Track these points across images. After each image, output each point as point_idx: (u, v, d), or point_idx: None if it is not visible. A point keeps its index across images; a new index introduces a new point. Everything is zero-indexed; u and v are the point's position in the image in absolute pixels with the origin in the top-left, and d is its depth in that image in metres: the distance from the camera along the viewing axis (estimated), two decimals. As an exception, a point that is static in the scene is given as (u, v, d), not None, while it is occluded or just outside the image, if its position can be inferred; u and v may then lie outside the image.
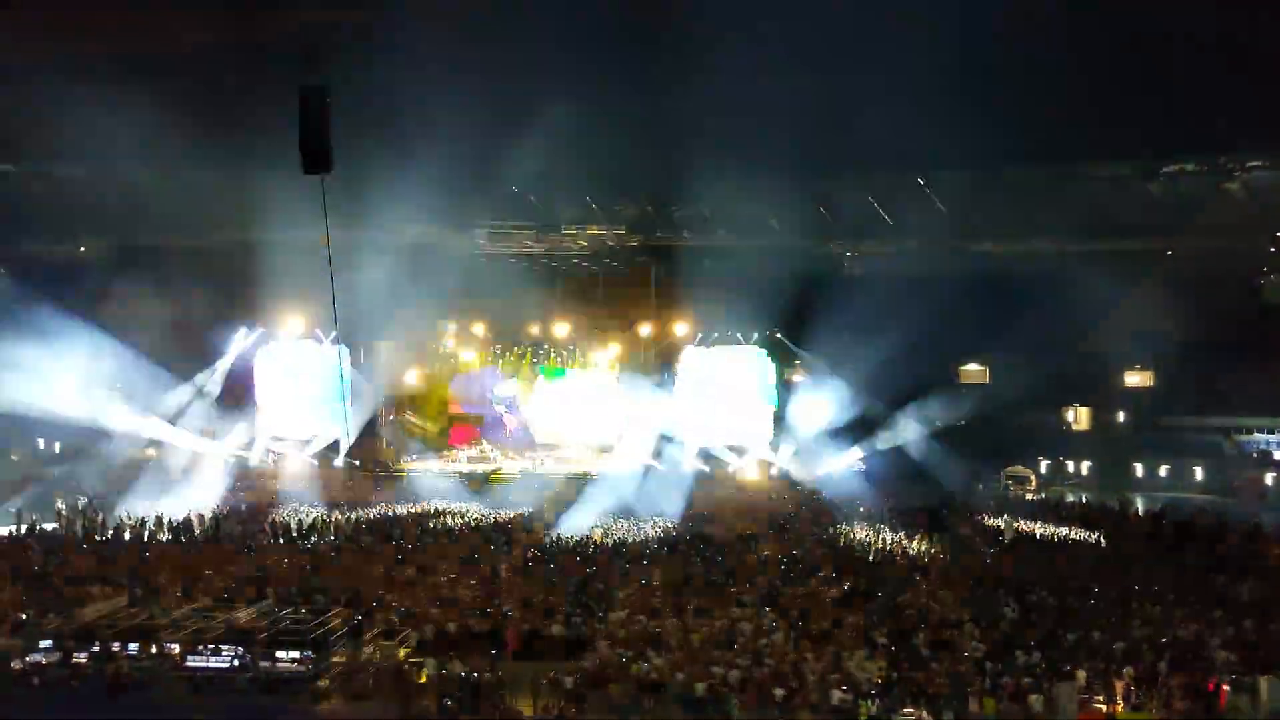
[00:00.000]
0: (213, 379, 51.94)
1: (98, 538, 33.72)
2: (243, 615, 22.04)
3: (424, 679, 20.20)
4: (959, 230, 49.33)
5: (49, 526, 35.41)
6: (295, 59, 17.88)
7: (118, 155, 44.53)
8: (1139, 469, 48.71)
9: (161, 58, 42.11)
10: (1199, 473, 47.75)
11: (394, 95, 41.56)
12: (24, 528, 34.80)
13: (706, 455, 51.39)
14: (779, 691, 18.88)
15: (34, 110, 42.17)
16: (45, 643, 20.92)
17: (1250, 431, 49.07)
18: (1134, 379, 52.22)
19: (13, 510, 38.31)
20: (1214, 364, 46.16)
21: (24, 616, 22.71)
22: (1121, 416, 51.93)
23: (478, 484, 47.71)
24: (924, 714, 18.10)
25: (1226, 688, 18.29)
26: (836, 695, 18.66)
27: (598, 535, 33.30)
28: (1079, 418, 52.87)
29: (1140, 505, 41.36)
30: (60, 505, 39.04)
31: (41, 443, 51.63)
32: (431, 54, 41.97)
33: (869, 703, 18.43)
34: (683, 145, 44.63)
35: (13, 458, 50.44)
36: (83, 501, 39.71)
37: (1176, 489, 46.44)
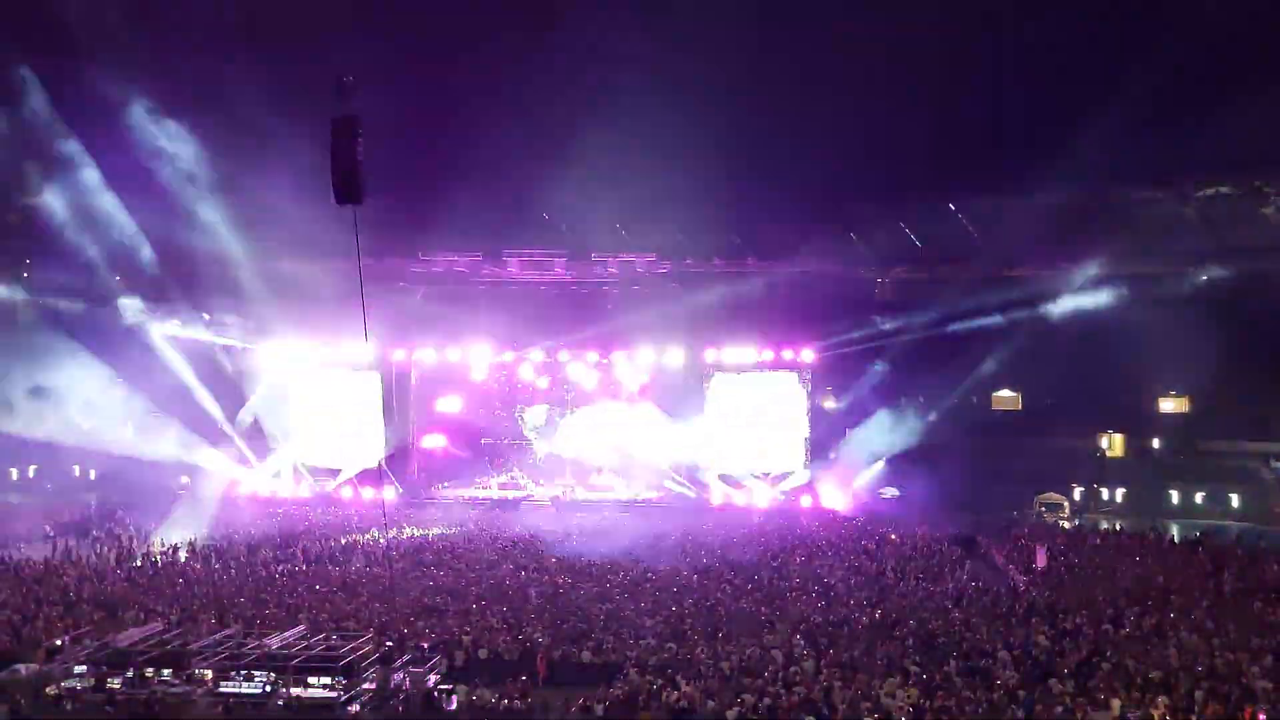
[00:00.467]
0: (246, 407, 52.21)
1: (133, 564, 34.01)
2: (275, 641, 22.15)
3: (454, 706, 20.27)
4: (991, 256, 49.21)
5: (84, 553, 35.69)
6: (327, 90, 18.08)
7: (154, 184, 45.05)
8: (1175, 495, 48.21)
9: (197, 88, 42.70)
10: (1235, 499, 47.23)
11: (425, 124, 42.00)
12: (59, 553, 35.16)
13: (737, 481, 51.26)
14: (809, 719, 18.82)
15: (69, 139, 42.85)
16: (80, 668, 21.12)
17: (1288, 457, 48.53)
18: (1169, 404, 51.77)
19: (49, 536, 38.71)
20: (1251, 388, 45.69)
21: (59, 642, 22.90)
22: (1157, 442, 51.41)
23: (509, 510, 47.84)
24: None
25: (1263, 717, 18.10)
26: (867, 722, 18.60)
27: (627, 562, 33.21)
28: (1114, 444, 52.37)
29: (1176, 532, 40.99)
30: (96, 532, 39.38)
31: (77, 469, 52.05)
32: (461, 82, 42.45)
33: (900, 729, 18.36)
34: (713, 171, 44.76)
35: (47, 485, 50.92)
36: (118, 528, 40.08)
37: (1213, 515, 45.95)
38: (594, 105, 44.84)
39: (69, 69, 42.25)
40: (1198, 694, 19.00)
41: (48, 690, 20.71)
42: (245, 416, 52.10)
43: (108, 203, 45.92)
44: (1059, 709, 18.70)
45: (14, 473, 51.50)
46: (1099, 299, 47.83)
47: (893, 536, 39.49)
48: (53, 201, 46.32)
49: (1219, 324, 43.06)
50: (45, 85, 42.24)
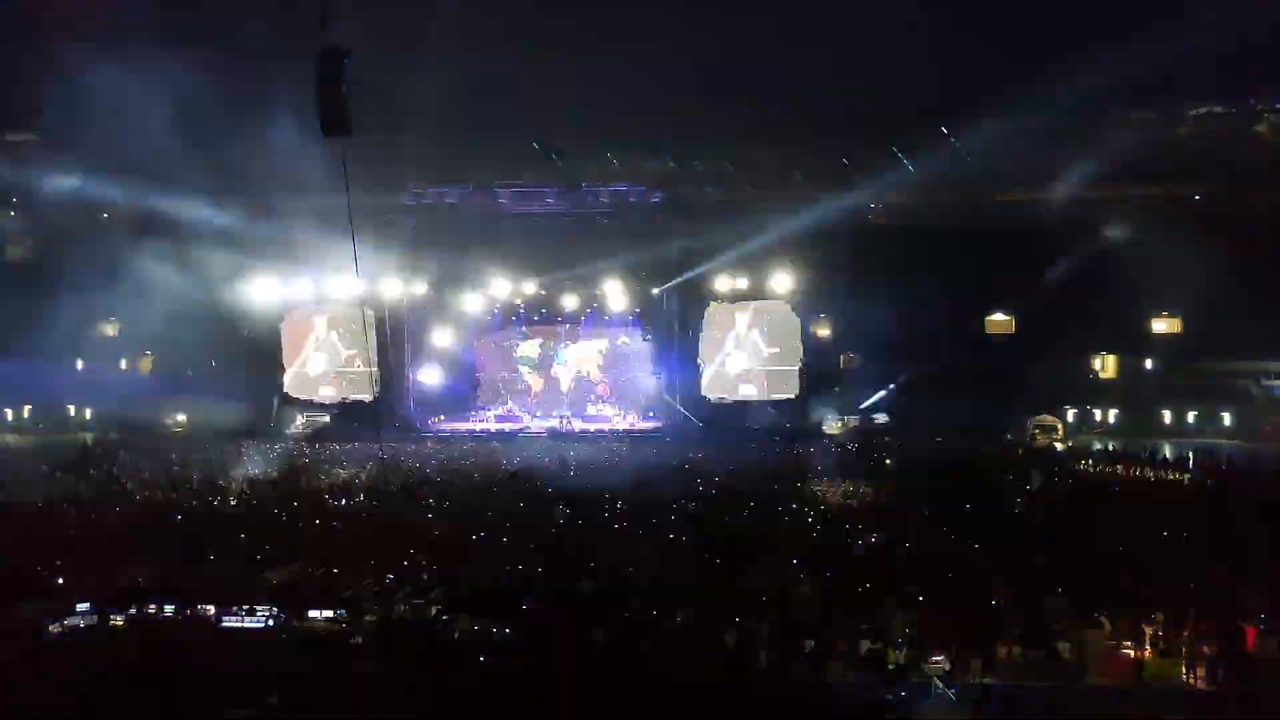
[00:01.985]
0: (238, 344, 52.16)
1: (135, 498, 34.10)
2: (275, 575, 22.30)
3: (456, 636, 20.44)
4: (984, 179, 48.93)
5: (83, 492, 35.76)
6: (312, 18, 17.84)
7: (132, 121, 44.55)
8: (1167, 415, 48.49)
9: (177, 19, 42.04)
10: (1227, 418, 47.50)
11: (410, 54, 41.44)
12: (57, 493, 35.23)
13: (734, 409, 51.47)
14: (809, 642, 19.01)
15: (48, 77, 42.23)
16: (83, 606, 21.25)
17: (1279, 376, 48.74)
18: (1161, 325, 51.81)
19: (47, 475, 38.81)
20: (1243, 307, 45.72)
21: (60, 581, 23.02)
22: (1149, 363, 51.57)
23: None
24: (951, 661, 18.21)
25: (1253, 632, 18.32)
26: (865, 645, 18.78)
27: (624, 491, 33.35)
28: (1106, 365, 52.54)
29: (1168, 451, 41.26)
30: (93, 471, 39.48)
31: (72, 409, 52.12)
32: (446, 8, 41.83)
33: (897, 651, 18.55)
34: (705, 99, 44.39)
35: (39, 425, 51.01)
36: (117, 468, 40.18)
37: (1205, 435, 46.27)
38: (584, 32, 44.31)
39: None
40: (1190, 610, 19.21)
41: (50, 628, 20.87)
42: (241, 354, 52.12)
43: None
44: (1054, 626, 18.93)
45: (8, 412, 51.57)
46: (1091, 220, 47.73)
47: (888, 461, 39.77)
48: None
49: (1211, 244, 43.02)
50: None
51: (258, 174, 46.51)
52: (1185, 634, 18.50)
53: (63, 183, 50.21)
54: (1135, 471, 35.95)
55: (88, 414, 51.75)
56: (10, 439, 49.01)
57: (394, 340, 53.37)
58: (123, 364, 52.77)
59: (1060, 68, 41.71)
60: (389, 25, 39.41)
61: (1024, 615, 19.55)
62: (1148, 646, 18.36)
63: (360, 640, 20.42)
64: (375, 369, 52.52)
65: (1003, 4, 39.65)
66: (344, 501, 33.57)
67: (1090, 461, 38.73)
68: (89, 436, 48.34)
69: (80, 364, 50.72)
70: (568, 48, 43.63)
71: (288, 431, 51.09)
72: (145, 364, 54.02)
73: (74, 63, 40.58)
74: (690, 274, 51.81)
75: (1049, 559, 23.15)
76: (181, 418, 51.30)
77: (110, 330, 53.12)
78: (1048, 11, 41.66)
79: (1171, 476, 35.47)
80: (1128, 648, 18.35)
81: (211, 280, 50.25)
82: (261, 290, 52.02)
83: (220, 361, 52.65)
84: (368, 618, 20.86)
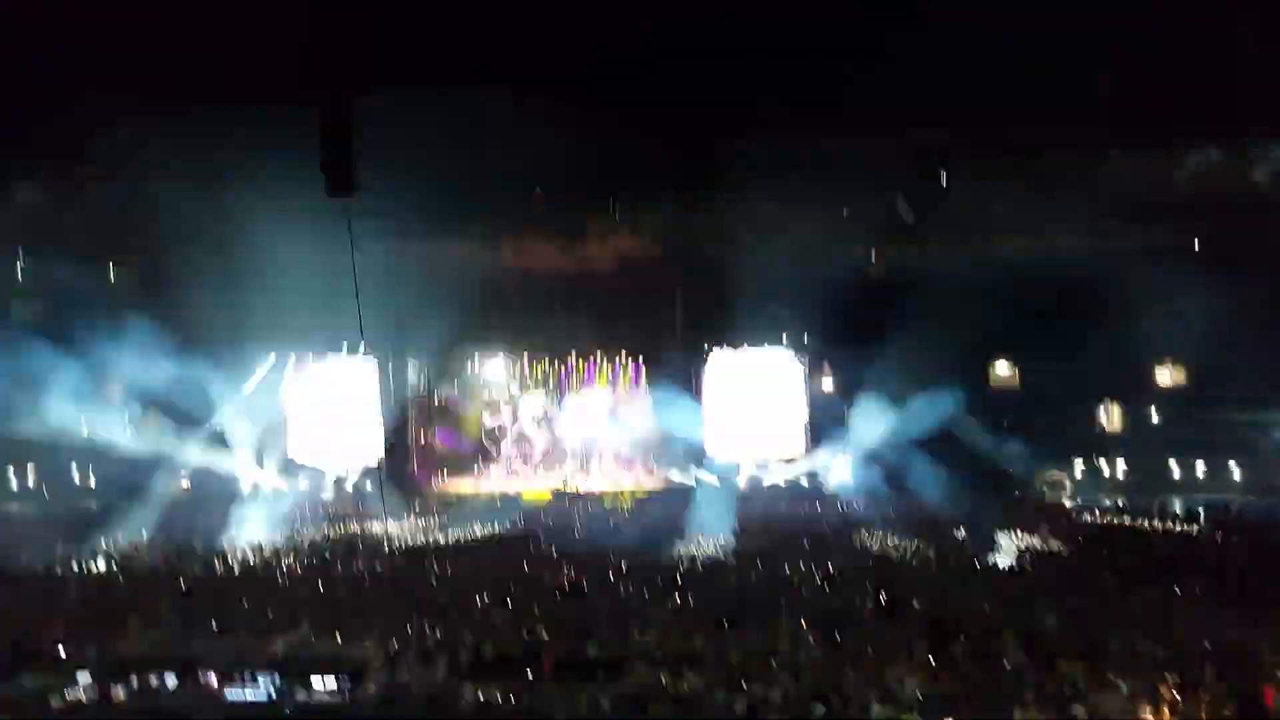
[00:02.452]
0: (242, 403, 52.03)
1: (135, 569, 33.88)
2: (279, 644, 22.08)
3: (461, 704, 20.20)
4: (981, 225, 48.92)
5: (86, 560, 35.53)
6: (318, 80, 17.97)
7: (138, 175, 44.68)
8: (1175, 469, 48.18)
9: (185, 76, 42.27)
10: (1236, 471, 47.18)
11: (414, 109, 41.67)
12: (60, 562, 35.00)
13: (737, 466, 51.26)
14: (819, 708, 18.75)
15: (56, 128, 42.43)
16: (84, 678, 21.01)
17: (1290, 426, 48.46)
18: (1167, 375, 51.63)
19: (50, 544, 38.60)
20: (1249, 358, 45.56)
21: (62, 652, 22.80)
22: (1155, 414, 51.31)
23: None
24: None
25: (1273, 693, 18.05)
26: (876, 710, 18.51)
27: (630, 553, 33.10)
28: (1112, 418, 52.32)
29: (1178, 506, 40.99)
30: (102, 541, 39.32)
31: (78, 476, 51.95)
32: (451, 67, 42.09)
33: (910, 715, 18.28)
34: (706, 151, 44.54)
35: (45, 494, 50.84)
36: (120, 534, 40.00)
37: (1215, 488, 45.92)
38: (584, 87, 44.56)
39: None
40: (1207, 670, 18.95)
41: (51, 702, 20.63)
42: (242, 413, 51.98)
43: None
44: (1068, 689, 18.66)
45: (13, 480, 51.45)
46: (1091, 266, 47.69)
47: (894, 516, 39.58)
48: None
49: (1217, 291, 42.90)
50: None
51: (259, 228, 46.67)
52: (1203, 696, 18.23)
53: (69, 243, 50.42)
54: (1144, 523, 35.70)
55: (91, 480, 51.60)
56: (14, 506, 48.84)
57: (397, 399, 53.25)
58: (126, 428, 52.66)
59: (1058, 111, 41.80)
60: (392, 83, 39.69)
61: (1037, 678, 19.28)
62: (1165, 710, 18.07)
63: (364, 709, 20.22)
64: (380, 428, 52.38)
65: (998, 50, 39.74)
66: (347, 566, 33.34)
67: (1100, 517, 38.49)
68: (93, 503, 48.15)
69: (85, 429, 50.62)
70: (571, 100, 43.85)
71: (292, 493, 50.80)
72: (148, 426, 53.92)
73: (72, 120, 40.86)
74: (694, 327, 51.79)
75: (1060, 619, 22.91)
76: (185, 483, 51.12)
77: (115, 392, 53.07)
78: (1044, 55, 41.78)
79: (1181, 529, 35.29)
80: (1146, 712, 18.06)
81: (215, 339, 50.23)
82: (264, 348, 51.96)
83: (223, 422, 52.51)
84: (371, 686, 20.65)
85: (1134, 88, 40.25)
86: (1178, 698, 18.25)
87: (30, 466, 52.21)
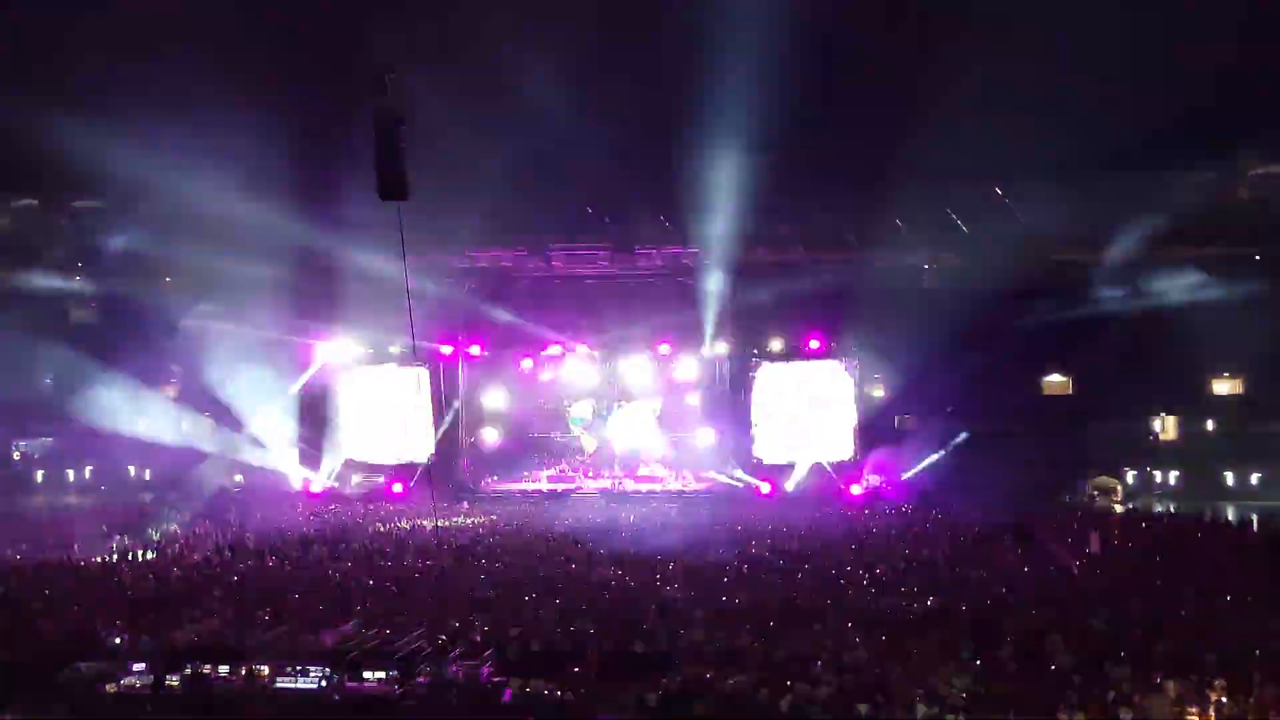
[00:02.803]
0: (292, 404, 52.61)
1: (189, 562, 34.40)
2: (329, 636, 22.36)
3: (508, 698, 20.37)
4: (1039, 240, 48.71)
5: (141, 553, 36.12)
6: (370, 84, 18.17)
7: (198, 185, 45.39)
8: (1229, 478, 47.69)
9: (241, 83, 42.94)
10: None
11: (467, 116, 42.07)
12: (116, 555, 35.61)
13: (787, 471, 51.17)
14: (863, 707, 18.75)
15: (118, 146, 43.21)
16: (138, 666, 21.40)
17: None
18: (1223, 386, 51.15)
19: (106, 536, 39.25)
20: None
21: (117, 641, 23.22)
22: (1210, 425, 50.84)
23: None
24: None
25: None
26: (922, 710, 18.50)
27: (676, 554, 33.17)
28: (1166, 427, 51.85)
29: (1231, 514, 40.58)
30: (153, 532, 39.90)
31: (132, 470, 52.75)
32: (504, 73, 42.51)
33: (955, 717, 18.26)
34: (757, 161, 44.66)
35: (102, 487, 51.65)
36: (174, 527, 40.60)
37: (1269, 497, 45.43)
38: (635, 96, 44.82)
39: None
40: (1255, 676, 18.80)
41: (106, 689, 21.03)
42: (292, 413, 52.57)
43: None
44: (1114, 693, 18.56)
45: (70, 474, 52.32)
46: (1151, 280, 47.37)
47: (943, 521, 39.42)
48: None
49: (1273, 304, 42.54)
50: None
51: (314, 234, 47.30)
52: (1251, 700, 18.09)
53: (126, 247, 51.34)
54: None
55: (147, 475, 52.37)
56: (72, 499, 49.66)
57: (448, 401, 53.67)
58: (182, 425, 53.42)
59: (1119, 126, 41.59)
60: (445, 89, 40.12)
61: (1084, 680, 19.19)
62: (1212, 713, 17.94)
63: (413, 702, 20.44)
64: (430, 429, 52.79)
65: (1063, 66, 39.68)
66: (397, 562, 33.66)
67: (1152, 524, 38.18)
68: (148, 497, 48.88)
69: (140, 426, 51.43)
70: (622, 110, 44.10)
71: (345, 492, 51.29)
72: (204, 425, 54.70)
73: (136, 130, 41.59)
74: (743, 335, 51.80)
75: (1109, 622, 22.78)
76: (239, 478, 51.84)
77: (170, 392, 53.91)
78: (1107, 72, 41.60)
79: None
80: (1192, 714, 17.93)
81: (268, 341, 50.91)
82: (318, 350, 52.56)
83: (276, 422, 53.17)
84: (419, 679, 20.86)
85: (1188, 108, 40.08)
86: (1224, 701, 18.14)
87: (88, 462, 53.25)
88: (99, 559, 34.25)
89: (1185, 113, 41.20)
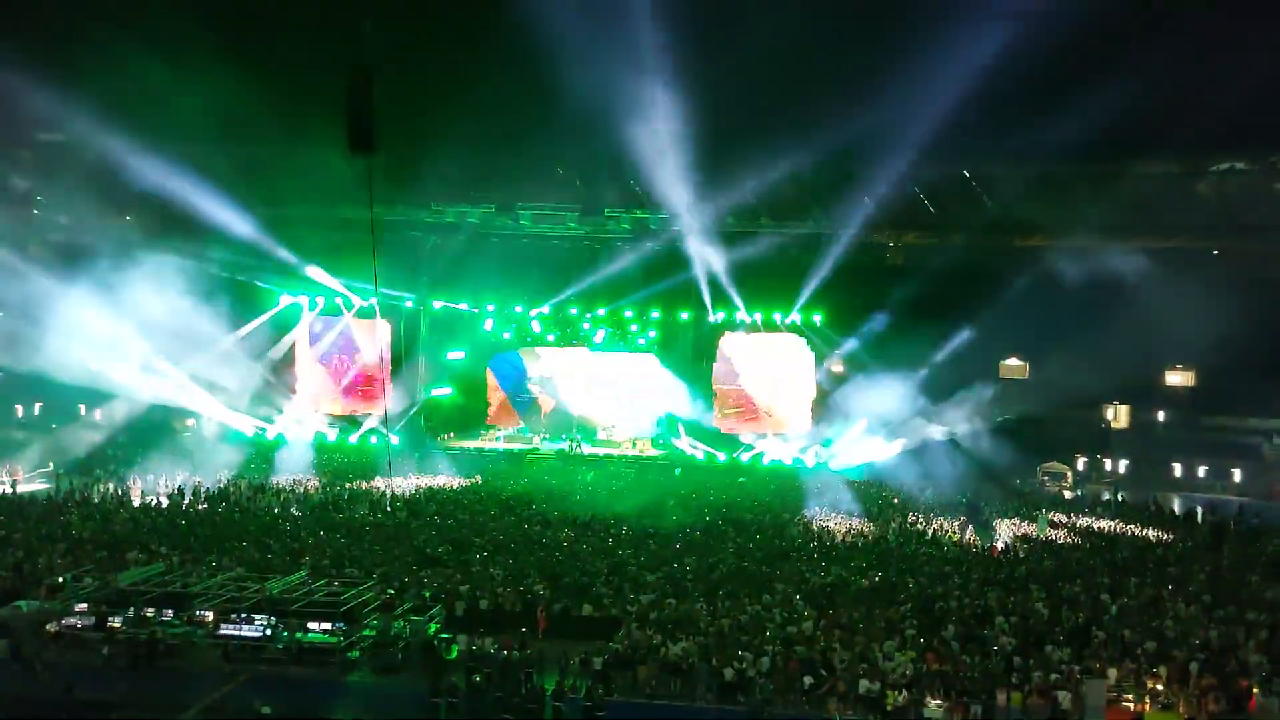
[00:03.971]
0: (249, 350, 52.15)
1: (136, 504, 34.15)
2: (277, 585, 22.29)
3: (454, 655, 20.42)
4: (1004, 225, 48.84)
5: (87, 493, 35.78)
6: (343, 37, 17.94)
7: (166, 128, 44.70)
8: (1177, 468, 48.30)
9: (209, 33, 42.26)
10: (1237, 474, 47.27)
11: (442, 76, 41.59)
12: (63, 493, 35.28)
13: (743, 440, 51.36)
14: (807, 679, 18.93)
15: (84, 82, 42.43)
16: (81, 606, 21.28)
17: (1290, 434, 48.53)
18: (1175, 378, 51.66)
19: (52, 474, 38.87)
20: (1257, 365, 45.54)
21: (61, 580, 23.07)
22: (1161, 415, 51.42)
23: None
24: (951, 706, 18.11)
25: (1257, 690, 18.19)
26: (864, 685, 18.69)
27: (630, 518, 33.23)
28: (1118, 415, 52.40)
29: (1177, 505, 41.12)
30: (100, 472, 39.52)
31: (82, 409, 52.16)
32: (480, 36, 42.02)
33: (896, 693, 18.45)
34: (729, 132, 44.49)
35: (52, 425, 51.06)
36: (122, 469, 40.25)
37: (1214, 490, 46.07)
38: (609, 60, 44.45)
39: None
40: (1193, 665, 19.10)
41: (48, 627, 20.91)
42: (252, 360, 52.12)
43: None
44: (1055, 676, 18.82)
45: (19, 409, 51.68)
46: (1108, 271, 47.60)
47: (895, 500, 39.70)
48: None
49: (1227, 299, 42.86)
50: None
51: (280, 184, 46.69)
52: (1188, 690, 18.39)
53: (87, 182, 50.48)
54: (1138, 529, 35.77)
55: (97, 414, 51.80)
56: (20, 436, 49.05)
57: (408, 356, 53.37)
58: (136, 366, 52.87)
59: (1085, 118, 41.70)
60: (418, 46, 39.68)
61: (1026, 663, 19.45)
62: (1148, 701, 18.23)
63: (357, 653, 20.45)
64: (388, 384, 52.54)
65: (1030, 53, 39.66)
66: (349, 514, 33.56)
67: (1098, 512, 38.65)
68: (98, 436, 48.38)
69: (93, 364, 50.84)
70: (594, 74, 43.74)
71: (297, 441, 50.94)
72: (158, 368, 54.11)
73: (103, 66, 40.84)
74: (706, 303, 51.78)
75: (1052, 608, 23.05)
76: (191, 422, 51.41)
77: (126, 330, 53.19)
78: (1072, 61, 41.67)
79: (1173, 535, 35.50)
80: (1129, 701, 18.22)
81: (228, 285, 50.35)
82: (278, 297, 52.09)
83: (231, 367, 52.72)
84: (366, 632, 20.86)
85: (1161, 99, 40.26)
86: (1160, 688, 18.44)
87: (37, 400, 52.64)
88: (45, 497, 33.94)
89: (1152, 106, 41.36)
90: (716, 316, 52.18)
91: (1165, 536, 33.15)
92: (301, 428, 51.86)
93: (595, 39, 41.54)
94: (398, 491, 37.91)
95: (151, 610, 21.08)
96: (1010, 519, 36.63)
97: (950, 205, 48.35)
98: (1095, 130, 40.93)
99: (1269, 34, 38.69)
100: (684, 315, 52.79)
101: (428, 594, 22.91)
